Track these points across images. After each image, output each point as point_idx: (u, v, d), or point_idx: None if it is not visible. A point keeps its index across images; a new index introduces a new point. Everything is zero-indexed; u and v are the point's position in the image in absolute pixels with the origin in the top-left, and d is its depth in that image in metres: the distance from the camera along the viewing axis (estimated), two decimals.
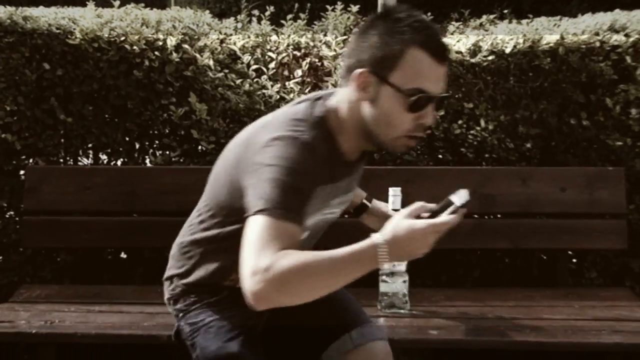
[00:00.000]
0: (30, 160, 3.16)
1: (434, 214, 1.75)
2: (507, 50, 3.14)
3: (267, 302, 1.66)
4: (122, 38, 3.08)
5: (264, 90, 3.17)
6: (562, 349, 2.56)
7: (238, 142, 1.95)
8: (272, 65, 3.27)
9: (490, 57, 3.11)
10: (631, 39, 3.15)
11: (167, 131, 3.19)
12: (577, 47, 3.14)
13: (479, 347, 2.58)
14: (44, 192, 3.00)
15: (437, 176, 3.02)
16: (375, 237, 1.70)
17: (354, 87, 1.83)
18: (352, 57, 1.85)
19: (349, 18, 3.83)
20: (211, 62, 3.14)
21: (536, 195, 3.00)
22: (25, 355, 3.06)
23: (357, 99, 1.84)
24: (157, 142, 3.24)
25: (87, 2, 3.55)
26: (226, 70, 3.20)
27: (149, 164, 3.24)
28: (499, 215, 3.13)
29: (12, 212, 3.19)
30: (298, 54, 3.32)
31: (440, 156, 3.19)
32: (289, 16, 3.70)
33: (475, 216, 3.07)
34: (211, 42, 3.27)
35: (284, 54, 3.30)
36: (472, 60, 3.12)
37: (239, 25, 3.68)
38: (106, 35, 3.07)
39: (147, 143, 3.25)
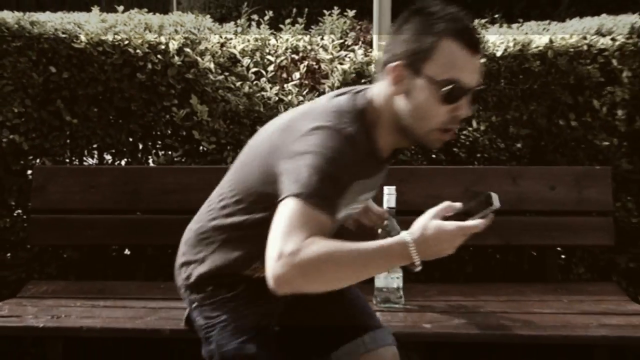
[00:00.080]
0: (38, 161, 3.18)
1: (467, 211, 1.70)
2: (498, 54, 3.17)
3: (289, 287, 1.60)
4: (126, 42, 3.10)
5: (263, 93, 3.20)
6: (552, 341, 2.57)
7: (274, 129, 1.87)
8: (271, 68, 3.30)
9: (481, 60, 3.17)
10: (617, 43, 3.17)
11: (169, 132, 3.21)
12: (565, 51, 3.16)
13: (472, 340, 2.60)
14: (50, 191, 3.02)
15: (431, 175, 3.05)
16: (404, 235, 1.66)
17: (389, 81, 1.78)
18: (388, 52, 1.80)
19: (345, 22, 3.82)
20: (212, 65, 3.16)
21: (526, 194, 3.02)
22: (32, 349, 3.09)
23: (392, 92, 1.78)
24: (159, 142, 3.26)
25: (92, 8, 3.57)
26: (226, 73, 3.23)
27: (151, 164, 3.25)
28: None
29: (19, 211, 3.20)
30: (296, 57, 3.35)
31: (433, 156, 3.21)
32: (287, 21, 3.72)
33: None
34: (212, 46, 3.29)
35: (283, 57, 3.32)
36: None
37: (239, 29, 3.68)
38: (110, 40, 3.09)
39: (150, 144, 3.27)
